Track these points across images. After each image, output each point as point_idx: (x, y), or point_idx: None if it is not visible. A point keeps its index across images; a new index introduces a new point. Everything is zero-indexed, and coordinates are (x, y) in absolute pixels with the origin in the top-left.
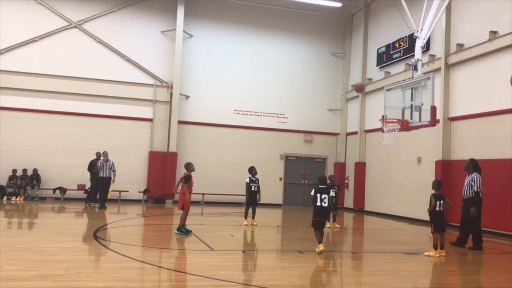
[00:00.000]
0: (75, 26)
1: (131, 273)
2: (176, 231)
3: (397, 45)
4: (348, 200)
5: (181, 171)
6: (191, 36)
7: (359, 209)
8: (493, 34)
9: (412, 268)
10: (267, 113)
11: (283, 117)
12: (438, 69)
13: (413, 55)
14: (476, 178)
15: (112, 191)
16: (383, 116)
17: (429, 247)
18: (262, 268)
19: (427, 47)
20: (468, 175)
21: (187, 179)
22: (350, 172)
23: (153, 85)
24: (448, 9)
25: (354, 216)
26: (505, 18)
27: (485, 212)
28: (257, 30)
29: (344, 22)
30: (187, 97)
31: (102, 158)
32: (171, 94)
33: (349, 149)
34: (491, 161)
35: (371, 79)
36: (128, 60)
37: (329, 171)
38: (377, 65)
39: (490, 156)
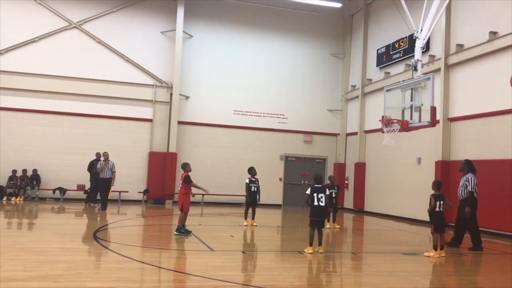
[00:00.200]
0: (75, 27)
1: (130, 273)
2: (175, 232)
3: (397, 45)
4: (348, 201)
5: (181, 172)
6: (191, 36)
7: (359, 210)
8: (493, 34)
9: (412, 268)
10: (267, 113)
11: (283, 118)
12: (438, 70)
13: (413, 55)
14: (471, 178)
15: (112, 191)
16: (383, 117)
17: (429, 247)
18: (262, 268)
19: (427, 47)
20: (463, 176)
21: (188, 180)
22: (350, 173)
23: (153, 85)
24: (448, 9)
25: (354, 216)
26: (505, 18)
27: (485, 212)
28: (257, 31)
29: (344, 23)
30: (187, 97)
31: (102, 158)
32: (171, 94)
33: (349, 150)
34: (491, 162)
35: (371, 80)
36: (128, 60)
37: (329, 171)
38: (377, 66)
39: (490, 156)
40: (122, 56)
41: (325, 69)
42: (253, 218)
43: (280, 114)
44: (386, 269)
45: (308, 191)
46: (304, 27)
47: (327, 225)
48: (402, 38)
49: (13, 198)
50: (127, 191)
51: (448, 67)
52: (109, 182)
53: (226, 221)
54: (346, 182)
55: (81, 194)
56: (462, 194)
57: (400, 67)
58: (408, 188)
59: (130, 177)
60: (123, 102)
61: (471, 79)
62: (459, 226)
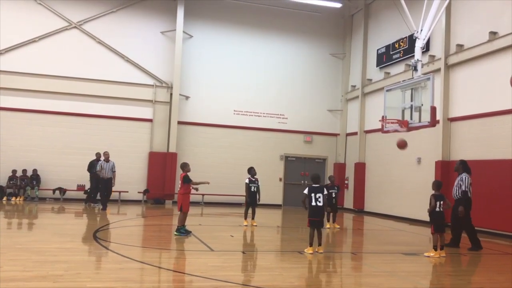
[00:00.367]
0: (75, 27)
1: (130, 273)
2: (175, 232)
3: (397, 45)
4: (348, 201)
5: (181, 172)
6: (191, 36)
7: (359, 210)
8: (493, 34)
9: (412, 268)
10: (267, 113)
11: (283, 118)
12: (438, 70)
13: (413, 55)
14: (465, 178)
15: (113, 191)
16: (383, 117)
17: (429, 248)
18: (261, 268)
19: (427, 47)
20: (458, 176)
21: (186, 180)
22: (350, 173)
23: (153, 85)
24: (448, 9)
25: (354, 216)
26: (505, 18)
27: (485, 212)
28: (257, 31)
29: (344, 23)
30: (187, 97)
31: (102, 158)
32: (171, 94)
33: (349, 150)
34: (491, 162)
35: (371, 80)
36: (128, 60)
37: (329, 171)
38: (377, 66)
39: (490, 156)
40: (122, 56)
41: (325, 69)
42: (253, 218)
43: (280, 114)
44: (386, 269)
45: (305, 191)
46: (304, 27)
47: (327, 225)
48: (402, 38)
49: (13, 198)
50: (127, 191)
51: (448, 67)
52: (109, 182)
53: (226, 221)
54: (346, 182)
55: (81, 194)
56: (457, 194)
57: (400, 67)
58: (408, 188)
59: (130, 177)
60: (123, 102)
61: (471, 79)
62: (455, 226)
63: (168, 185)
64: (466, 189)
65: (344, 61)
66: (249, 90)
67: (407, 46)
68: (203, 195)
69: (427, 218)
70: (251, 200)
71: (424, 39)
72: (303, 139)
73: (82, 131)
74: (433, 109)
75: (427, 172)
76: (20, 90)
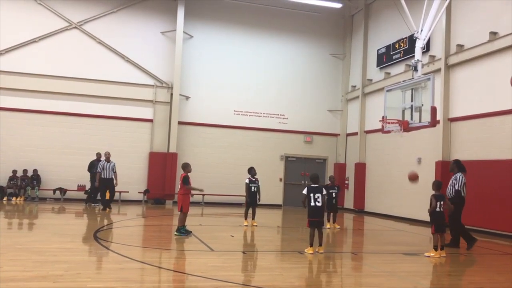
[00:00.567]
0: (75, 27)
1: (131, 273)
2: (175, 233)
3: (397, 46)
4: (348, 201)
5: (181, 172)
6: (191, 36)
7: (359, 210)
8: (493, 35)
9: (412, 269)
10: (267, 113)
11: (283, 118)
12: (438, 70)
13: (413, 56)
14: (459, 177)
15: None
16: (383, 117)
17: (429, 248)
18: (262, 268)
19: (427, 48)
20: (453, 175)
21: (184, 181)
22: (350, 173)
23: (153, 85)
24: (448, 10)
25: (354, 216)
26: (505, 19)
27: (485, 212)
28: (257, 31)
29: (344, 23)
30: (187, 97)
31: (103, 158)
32: (171, 94)
33: (349, 150)
34: (491, 162)
35: (371, 80)
36: (128, 60)
37: (329, 171)
38: (377, 66)
39: (490, 156)
40: (122, 56)
41: (325, 69)
42: (253, 218)
43: (280, 114)
44: (386, 269)
45: (304, 191)
46: (304, 27)
47: (327, 225)
48: (402, 39)
49: (14, 198)
50: (128, 191)
51: (449, 67)
52: (110, 182)
53: (226, 221)
54: (346, 182)
55: (82, 194)
56: (450, 193)
57: (400, 68)
58: (408, 188)
59: (130, 177)
60: (123, 102)
61: (472, 80)
62: (453, 227)
63: (168, 185)
64: (459, 189)
65: (344, 61)
66: (249, 90)
67: (407, 46)
68: (203, 195)
69: (427, 218)
70: (251, 200)
71: (424, 39)
72: (303, 139)
73: (83, 131)
74: (434, 109)
75: (427, 172)
76: (20, 90)
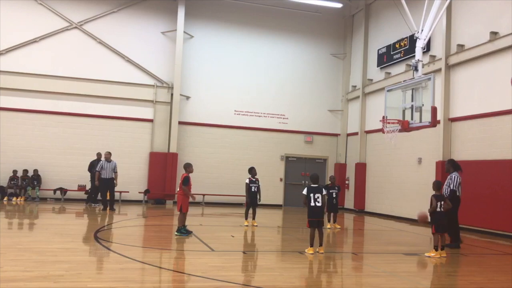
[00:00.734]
0: (75, 27)
1: (131, 274)
2: (176, 233)
3: (397, 45)
4: (349, 201)
5: (181, 172)
6: (192, 36)
7: (360, 210)
8: (494, 34)
9: (413, 269)
10: (267, 113)
11: (283, 118)
12: (439, 70)
13: (414, 55)
14: (454, 177)
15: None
16: (383, 117)
17: (430, 248)
18: (262, 269)
19: (427, 47)
20: (449, 175)
21: (186, 182)
22: (350, 173)
23: (153, 85)
24: (449, 9)
25: (354, 217)
26: (505, 19)
27: (485, 212)
28: (258, 31)
29: (345, 23)
30: (187, 97)
31: (103, 159)
32: (172, 94)
33: (350, 150)
34: (492, 162)
35: (371, 80)
36: (129, 60)
37: (330, 172)
38: (377, 66)
39: (490, 156)
40: (122, 56)
41: (326, 69)
42: (253, 219)
43: (281, 115)
44: (386, 269)
45: (304, 192)
46: (304, 27)
47: (328, 226)
48: (403, 38)
49: (14, 199)
50: (128, 191)
51: (449, 67)
52: (110, 182)
53: (226, 222)
54: (346, 182)
55: (82, 195)
56: (446, 193)
57: (400, 67)
58: (409, 189)
59: (130, 177)
60: (123, 102)
61: (472, 79)
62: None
63: (168, 185)
64: (455, 188)
65: (345, 61)
66: (250, 90)
67: (407, 46)
68: (203, 195)
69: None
70: (252, 200)
71: (424, 39)
72: (304, 139)
73: (83, 131)
74: (434, 109)
75: (427, 172)
76: (21, 90)
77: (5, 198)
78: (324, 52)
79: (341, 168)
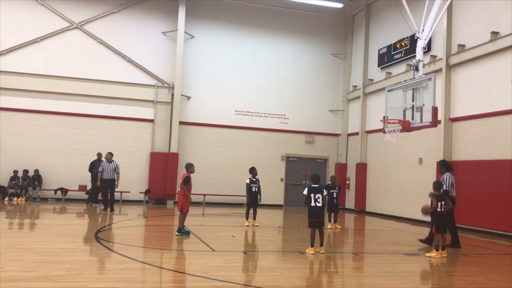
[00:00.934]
0: (76, 27)
1: (132, 274)
2: (176, 233)
3: (398, 45)
4: (349, 201)
5: (182, 172)
6: (193, 37)
7: (360, 210)
8: (495, 34)
9: (414, 269)
10: (268, 113)
11: (284, 118)
12: (440, 70)
13: (414, 55)
14: (446, 177)
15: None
16: (384, 117)
17: (431, 248)
18: (263, 269)
19: (428, 47)
20: (441, 176)
21: (186, 181)
22: (351, 173)
23: (154, 85)
24: (450, 9)
25: (355, 217)
26: (506, 19)
27: (485, 212)
28: (258, 31)
29: (345, 23)
30: (188, 97)
31: (104, 159)
32: (172, 94)
33: (350, 150)
34: (492, 162)
35: (372, 80)
36: (130, 61)
37: (330, 172)
38: (378, 66)
39: (491, 156)
40: (123, 56)
41: (327, 69)
42: (254, 219)
43: (282, 115)
44: (387, 269)
45: (305, 192)
46: (305, 27)
47: (329, 226)
48: (404, 38)
49: (15, 199)
50: (129, 192)
51: (450, 67)
52: (111, 182)
53: (227, 222)
54: (347, 182)
55: (83, 195)
56: None
57: (401, 67)
58: (410, 189)
59: (131, 178)
60: (124, 102)
61: (473, 79)
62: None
63: (169, 186)
64: (448, 189)
65: (346, 61)
66: (251, 90)
67: (408, 46)
68: (204, 195)
69: (428, 218)
70: (252, 201)
71: (425, 39)
72: (305, 139)
73: (84, 131)
74: (435, 109)
75: (428, 172)
76: (22, 90)
77: (6, 198)
78: (325, 52)
79: (341, 168)
